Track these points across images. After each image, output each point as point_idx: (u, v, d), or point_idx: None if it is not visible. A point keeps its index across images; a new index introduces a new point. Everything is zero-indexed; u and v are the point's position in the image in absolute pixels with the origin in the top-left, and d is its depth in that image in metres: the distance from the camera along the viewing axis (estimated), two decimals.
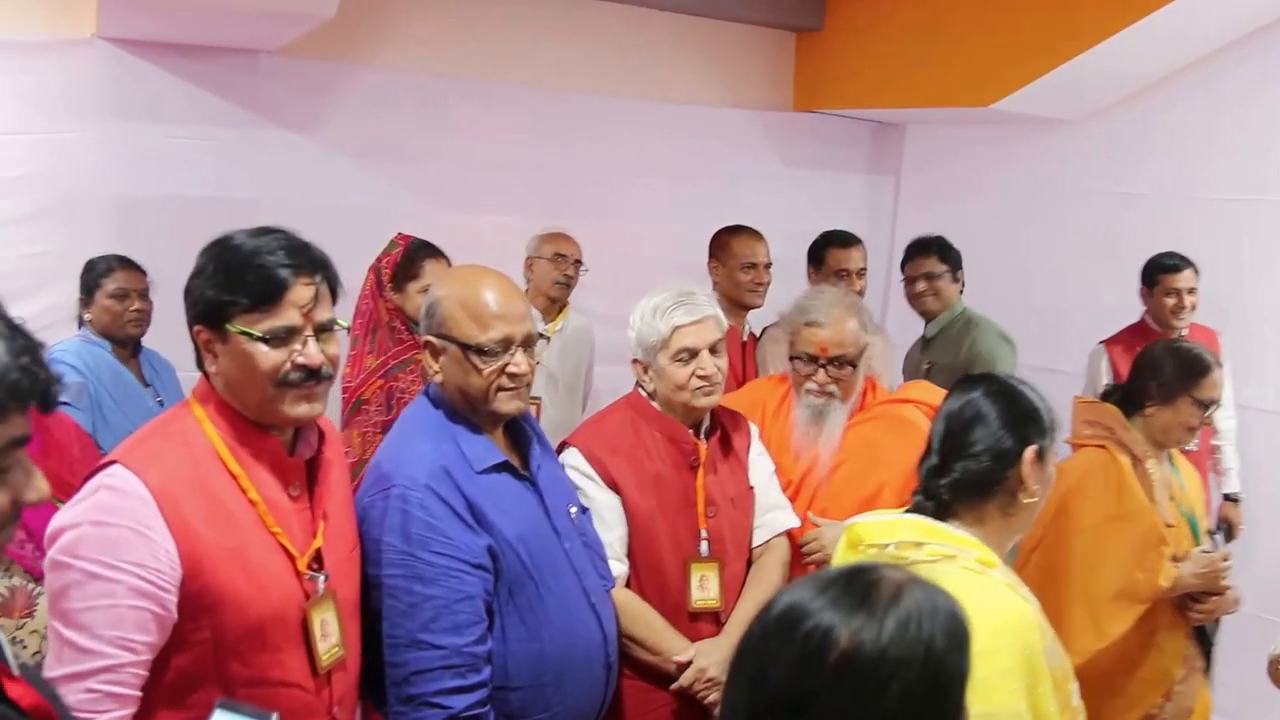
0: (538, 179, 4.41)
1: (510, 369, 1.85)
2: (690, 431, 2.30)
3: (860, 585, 1.04)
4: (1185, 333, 3.76)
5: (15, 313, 1.05)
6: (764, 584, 2.26)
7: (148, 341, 3.43)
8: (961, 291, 3.84)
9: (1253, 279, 4.08)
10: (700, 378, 2.24)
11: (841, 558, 1.73)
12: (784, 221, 4.19)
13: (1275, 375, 4.04)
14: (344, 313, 1.65)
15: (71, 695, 1.39)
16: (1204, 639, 2.61)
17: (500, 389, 1.85)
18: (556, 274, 3.79)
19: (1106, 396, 2.72)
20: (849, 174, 5.33)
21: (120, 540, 1.44)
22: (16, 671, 1.06)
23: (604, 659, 1.96)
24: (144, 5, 3.36)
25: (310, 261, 1.57)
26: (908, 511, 1.73)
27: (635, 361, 2.32)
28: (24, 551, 2.22)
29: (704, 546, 2.24)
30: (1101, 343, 3.99)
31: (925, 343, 3.85)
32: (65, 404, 2.81)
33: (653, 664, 2.16)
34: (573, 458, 2.24)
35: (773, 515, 2.38)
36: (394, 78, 4.13)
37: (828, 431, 2.47)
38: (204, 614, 1.49)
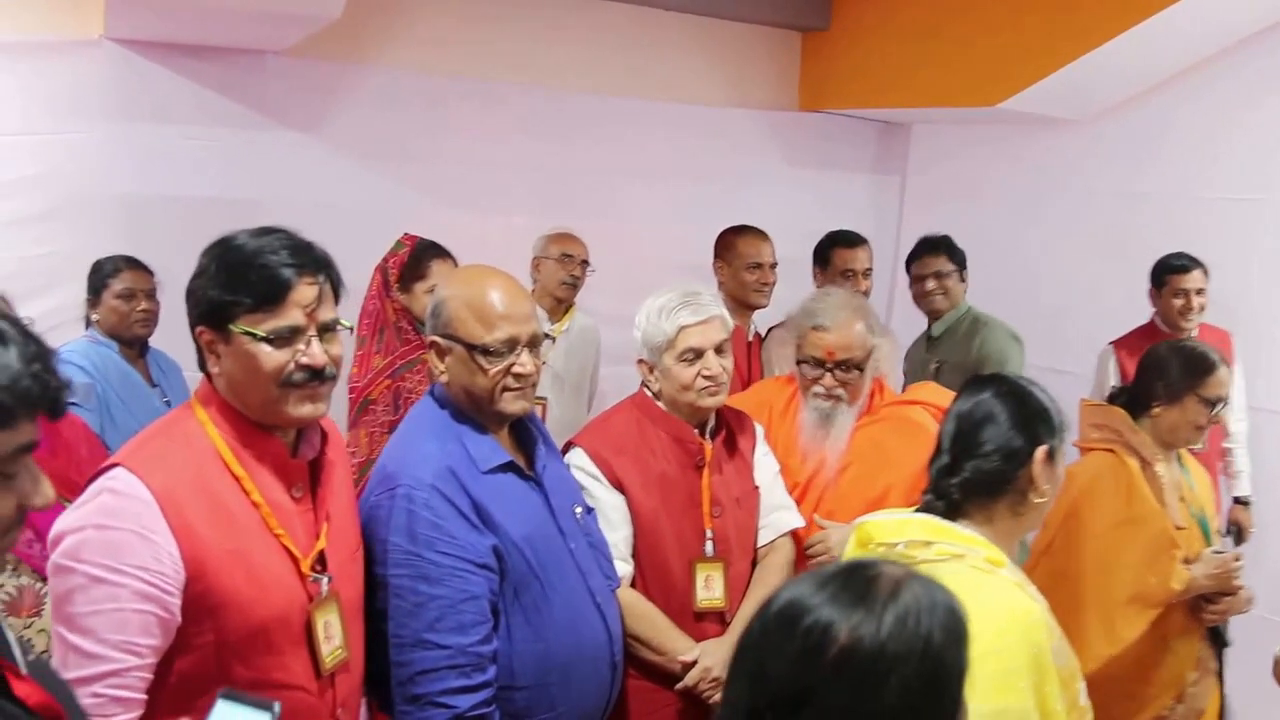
0: (544, 179, 4.41)
1: (516, 369, 1.85)
2: (695, 431, 2.30)
3: (859, 581, 1.05)
4: (1195, 334, 3.74)
5: (23, 313, 1.06)
6: (769, 584, 2.26)
7: (155, 341, 3.44)
8: (965, 291, 3.83)
9: (1261, 279, 4.06)
10: (706, 378, 2.23)
11: (851, 556, 1.73)
12: (789, 221, 4.19)
13: None
14: (345, 313, 1.64)
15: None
16: (1218, 639, 2.60)
17: (506, 389, 1.85)
18: (563, 274, 3.80)
19: (1113, 399, 2.71)
20: (854, 174, 5.33)
21: (123, 544, 1.43)
22: (24, 670, 1.06)
23: (609, 659, 1.96)
24: (151, 6, 3.37)
25: (313, 261, 1.57)
26: (918, 511, 1.74)
27: (641, 362, 2.32)
28: (32, 551, 2.23)
29: (709, 546, 2.24)
30: (1110, 344, 3.98)
31: (929, 342, 3.84)
32: (73, 404, 2.82)
33: (658, 664, 2.16)
34: (578, 458, 2.24)
35: (778, 515, 2.38)
36: (401, 78, 4.14)
37: (835, 434, 2.47)
38: (207, 617, 1.48)
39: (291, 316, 1.53)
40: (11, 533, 1.04)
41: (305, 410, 1.57)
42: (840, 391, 2.46)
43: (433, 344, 1.90)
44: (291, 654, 1.56)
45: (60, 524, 1.47)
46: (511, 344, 1.84)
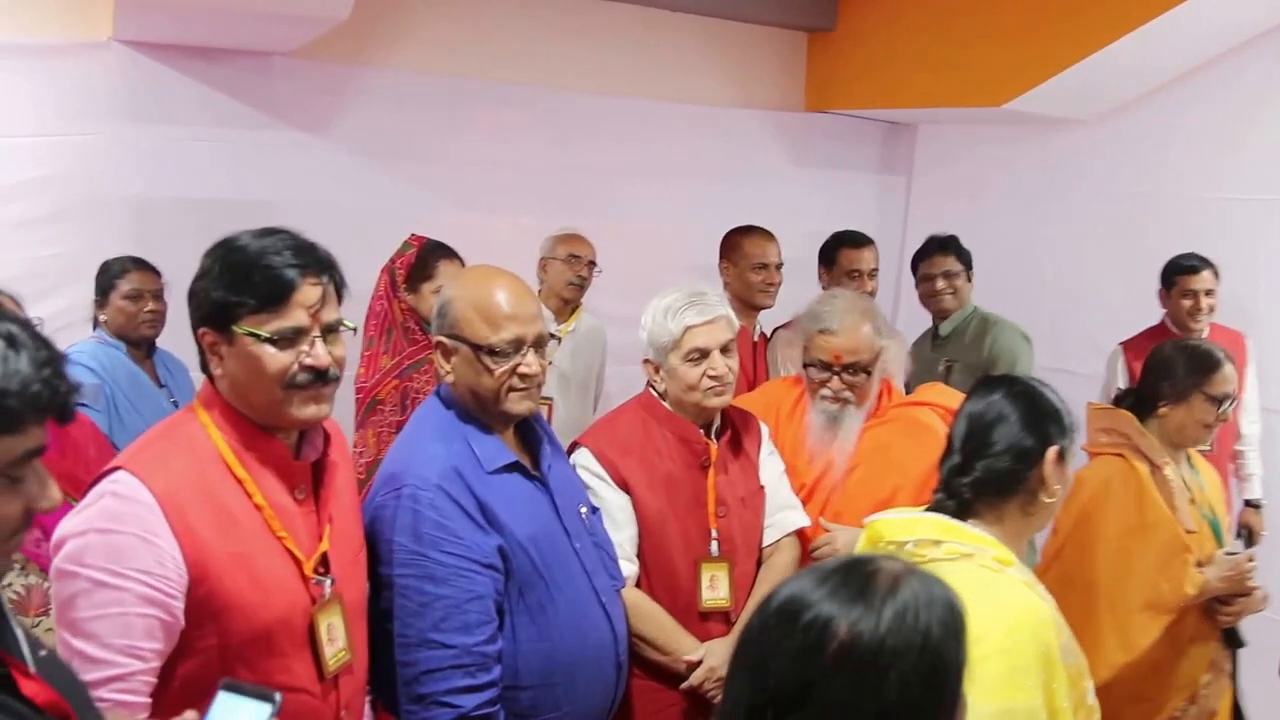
0: (551, 180, 4.42)
1: (521, 369, 1.85)
2: (701, 431, 2.30)
3: (858, 576, 1.06)
4: (1205, 335, 3.72)
5: (32, 313, 1.06)
6: (774, 584, 2.25)
7: (162, 342, 3.45)
8: (971, 291, 3.82)
9: (1270, 280, 4.04)
10: (711, 378, 2.24)
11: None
12: (795, 222, 4.19)
13: None
14: (349, 313, 1.64)
15: None
16: (1233, 640, 2.57)
17: (511, 389, 1.86)
18: (570, 275, 3.80)
19: (1119, 401, 2.68)
20: (861, 174, 5.32)
21: (126, 547, 1.42)
22: (33, 668, 1.07)
23: (614, 658, 1.96)
24: (160, 8, 3.38)
25: (317, 261, 1.56)
26: (928, 510, 1.75)
27: (646, 362, 2.32)
28: (40, 550, 2.23)
29: (714, 546, 2.24)
30: (1119, 345, 3.96)
31: (936, 342, 3.82)
32: (82, 405, 2.82)
33: (663, 663, 2.17)
34: (583, 458, 2.25)
35: (783, 515, 2.38)
36: (408, 79, 4.15)
37: (843, 435, 2.47)
38: (210, 620, 1.47)
39: (295, 317, 1.52)
40: (19, 535, 1.04)
41: (309, 412, 1.56)
42: (848, 394, 2.46)
43: (438, 344, 1.90)
44: (295, 656, 1.56)
45: (63, 528, 1.46)
46: (517, 344, 1.84)
